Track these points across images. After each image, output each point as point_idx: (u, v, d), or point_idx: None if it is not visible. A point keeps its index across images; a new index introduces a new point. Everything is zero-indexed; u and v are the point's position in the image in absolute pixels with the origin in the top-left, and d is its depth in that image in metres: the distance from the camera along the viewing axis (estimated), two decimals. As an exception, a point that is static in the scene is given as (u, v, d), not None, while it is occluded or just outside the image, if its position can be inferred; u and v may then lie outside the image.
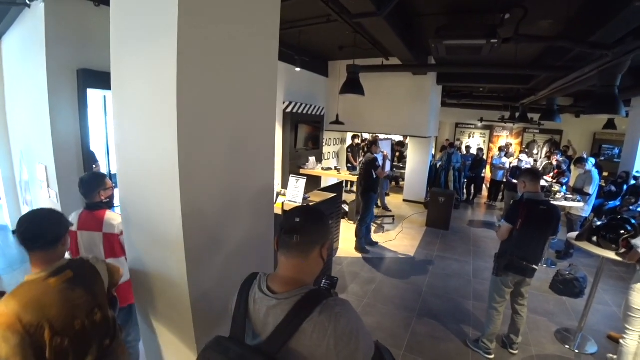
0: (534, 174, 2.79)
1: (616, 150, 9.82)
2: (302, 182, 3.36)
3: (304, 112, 7.11)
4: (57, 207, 3.45)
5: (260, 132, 1.77)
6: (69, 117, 3.37)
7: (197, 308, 1.55)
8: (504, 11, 3.86)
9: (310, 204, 3.50)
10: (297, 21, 5.01)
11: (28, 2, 3.11)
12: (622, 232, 2.89)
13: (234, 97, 1.59)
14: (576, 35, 4.04)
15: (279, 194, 3.65)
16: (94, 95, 4.30)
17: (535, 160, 10.11)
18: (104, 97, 4.28)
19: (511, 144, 10.76)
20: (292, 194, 3.42)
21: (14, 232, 1.79)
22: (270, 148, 1.84)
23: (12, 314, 1.19)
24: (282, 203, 3.48)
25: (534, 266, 2.73)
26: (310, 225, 1.05)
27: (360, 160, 6.49)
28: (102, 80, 3.40)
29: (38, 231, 1.37)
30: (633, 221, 3.00)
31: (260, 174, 1.81)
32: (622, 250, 2.82)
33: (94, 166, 4.17)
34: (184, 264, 1.47)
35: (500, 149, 9.35)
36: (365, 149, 5.33)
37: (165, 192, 1.45)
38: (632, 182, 6.36)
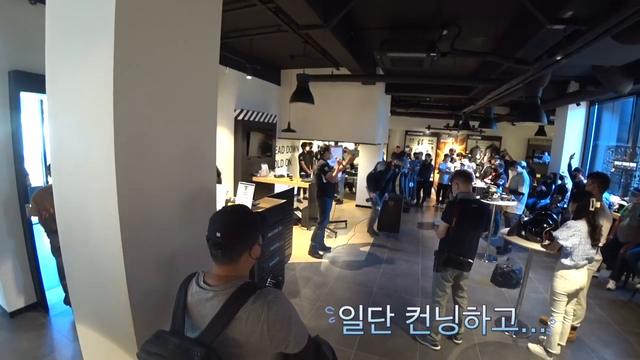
0: (466, 176, 3.04)
1: (547, 156, 10.84)
2: (251, 188, 3.37)
3: (256, 119, 7.11)
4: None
5: (200, 136, 1.79)
6: (-1, 122, 3.12)
7: (138, 311, 1.52)
8: (442, 28, 4.19)
9: (260, 210, 3.50)
10: (248, 30, 5.05)
11: (-45, -2, 2.87)
12: (545, 225, 3.22)
13: (173, 101, 1.60)
14: (504, 51, 4.48)
15: (228, 201, 3.62)
16: (29, 99, 3.99)
17: (478, 165, 10.89)
18: (41, 101, 3.99)
19: (455, 150, 11.47)
20: (242, 201, 3.41)
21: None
22: (211, 151, 1.87)
23: (36, 193, 3.14)
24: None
25: (470, 260, 2.96)
26: (231, 239, 1.08)
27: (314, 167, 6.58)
28: (37, 83, 3.15)
29: None
30: (555, 216, 3.36)
31: (201, 176, 1.82)
32: (546, 242, 3.13)
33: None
34: (122, 269, 1.44)
35: (446, 156, 9.98)
36: (318, 156, 5.51)
37: (102, 197, 1.43)
38: (559, 182, 7.07)
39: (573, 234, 2.81)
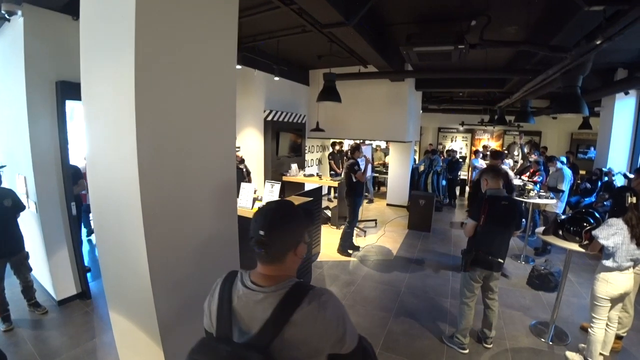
0: (495, 172, 2.91)
1: (593, 151, 10.10)
2: (277, 187, 3.43)
3: (285, 120, 7.21)
4: (37, 218, 3.50)
5: (219, 135, 1.86)
6: (48, 128, 3.42)
7: (161, 305, 1.61)
8: (470, 18, 4.03)
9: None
10: (274, 32, 5.15)
11: (7, 17, 3.16)
12: (585, 224, 3.00)
13: (192, 102, 1.67)
14: (538, 39, 4.23)
15: (256, 199, 3.71)
16: (76, 107, 4.28)
17: (516, 162, 10.36)
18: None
19: (489, 147, 10.99)
20: (268, 199, 3.48)
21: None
22: (230, 151, 1.93)
23: None
24: (259, 208, 3.53)
25: (500, 260, 2.82)
26: (276, 238, 1.01)
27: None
28: (80, 92, 3.49)
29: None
30: (597, 214, 3.12)
31: (220, 174, 1.89)
32: (585, 242, 2.92)
33: (80, 181, 4.20)
34: (145, 259, 1.54)
35: (476, 152, 9.61)
36: (348, 155, 5.49)
37: (128, 192, 1.53)
38: (605, 178, 6.55)
39: (615, 233, 2.60)
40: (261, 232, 0.99)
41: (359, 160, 5.33)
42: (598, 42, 2.99)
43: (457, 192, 10.10)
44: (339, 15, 3.52)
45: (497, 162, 5.10)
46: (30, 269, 3.46)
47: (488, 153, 9.80)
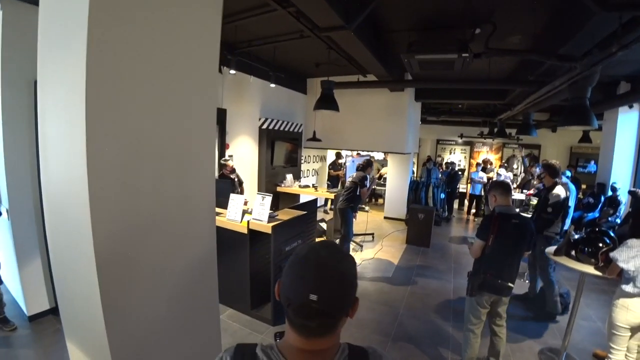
0: (504, 187, 2.68)
1: (593, 165, 10.00)
2: (268, 199, 3.19)
3: (281, 128, 7.01)
4: (8, 225, 3.23)
5: (192, 144, 1.60)
6: (24, 130, 3.18)
7: (115, 343, 1.33)
8: (474, 26, 3.88)
9: (279, 222, 3.29)
10: (271, 37, 4.98)
11: (-16, 12, 2.95)
12: (601, 245, 2.78)
13: (154, 104, 1.43)
14: (545, 49, 4.07)
15: (245, 211, 3.46)
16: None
17: (515, 175, 10.20)
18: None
19: (490, 161, 10.88)
20: (258, 212, 3.23)
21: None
22: (209, 162, 1.68)
23: None
24: (248, 222, 3.29)
25: (510, 284, 2.58)
26: (335, 302, 0.74)
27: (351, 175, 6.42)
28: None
29: None
30: (612, 234, 2.91)
31: (196, 186, 1.63)
32: (602, 264, 2.70)
33: None
34: (98, 300, 1.27)
35: (477, 164, 9.46)
36: (360, 168, 5.35)
37: (78, 208, 1.28)
38: (610, 193, 6.38)
39: (635, 255, 2.39)
40: (313, 297, 0.70)
41: (368, 176, 5.20)
42: (614, 50, 2.82)
43: (456, 206, 9.91)
44: (339, 18, 3.34)
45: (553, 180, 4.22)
46: (1, 282, 3.19)
47: (488, 166, 9.64)
